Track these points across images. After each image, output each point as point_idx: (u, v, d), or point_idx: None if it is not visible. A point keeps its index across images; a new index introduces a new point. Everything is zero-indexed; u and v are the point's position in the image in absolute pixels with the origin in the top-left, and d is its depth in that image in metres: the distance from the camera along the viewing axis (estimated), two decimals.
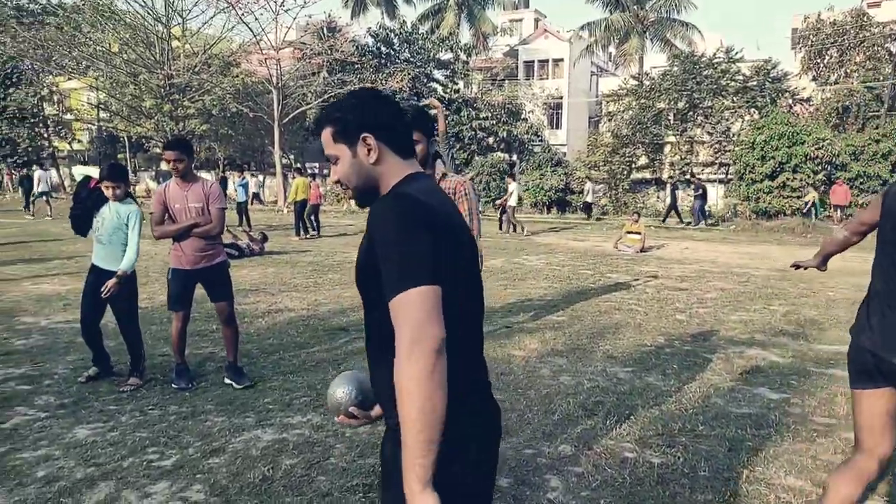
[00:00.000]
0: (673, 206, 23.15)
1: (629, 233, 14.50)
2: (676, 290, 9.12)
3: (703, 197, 22.64)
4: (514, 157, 33.38)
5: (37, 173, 22.16)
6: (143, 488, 3.07)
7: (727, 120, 26.92)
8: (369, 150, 1.50)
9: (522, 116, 32.84)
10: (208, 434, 3.69)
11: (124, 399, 4.29)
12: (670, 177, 27.39)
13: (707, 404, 4.42)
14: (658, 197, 27.55)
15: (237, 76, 29.14)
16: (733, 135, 26.36)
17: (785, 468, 3.41)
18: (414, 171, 1.53)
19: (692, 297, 8.52)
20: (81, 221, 4.61)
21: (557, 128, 38.38)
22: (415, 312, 1.27)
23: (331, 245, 14.14)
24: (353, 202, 5.08)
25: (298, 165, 23.15)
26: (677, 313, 7.49)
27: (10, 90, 31.66)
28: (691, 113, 27.57)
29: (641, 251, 13.83)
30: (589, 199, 24.91)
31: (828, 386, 4.83)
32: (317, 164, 37.91)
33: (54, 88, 34.39)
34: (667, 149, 28.93)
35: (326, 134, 1.54)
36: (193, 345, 5.25)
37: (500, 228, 19.60)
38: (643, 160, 28.65)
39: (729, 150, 25.96)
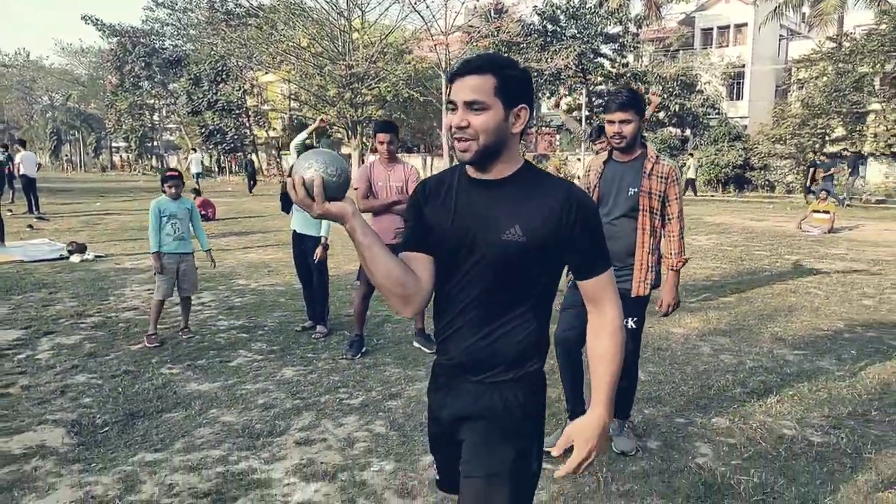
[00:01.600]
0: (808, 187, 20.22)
1: (815, 212, 13.28)
2: (867, 273, 8.34)
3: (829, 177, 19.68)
4: (687, 132, 31.55)
5: (192, 156, 25.87)
6: (337, 419, 3.68)
7: None
8: (516, 121, 1.57)
9: (697, 88, 30.84)
10: (388, 381, 4.27)
11: (319, 349, 5.05)
12: (873, 150, 24.29)
13: (885, 391, 4.17)
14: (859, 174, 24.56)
15: (409, 63, 30.66)
16: None
17: None
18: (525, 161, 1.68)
19: (885, 282, 7.75)
20: (287, 199, 5.43)
21: (738, 99, 35.49)
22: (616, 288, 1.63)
23: None
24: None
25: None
26: (864, 298, 6.90)
27: (220, 86, 36.06)
28: None
29: (829, 232, 12.63)
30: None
31: None
32: None
33: (254, 82, 38.60)
34: (870, 118, 25.63)
35: (488, 81, 1.53)
36: (373, 308, 5.92)
37: None
38: (839, 132, 25.64)
39: None
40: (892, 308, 6.44)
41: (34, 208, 14.72)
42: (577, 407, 3.35)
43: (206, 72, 36.04)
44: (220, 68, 35.95)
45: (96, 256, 9.28)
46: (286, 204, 5.44)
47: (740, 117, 32.93)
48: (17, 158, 15.17)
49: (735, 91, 35.63)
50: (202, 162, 29.75)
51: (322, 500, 2.81)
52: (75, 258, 9.00)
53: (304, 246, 5.43)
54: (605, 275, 1.62)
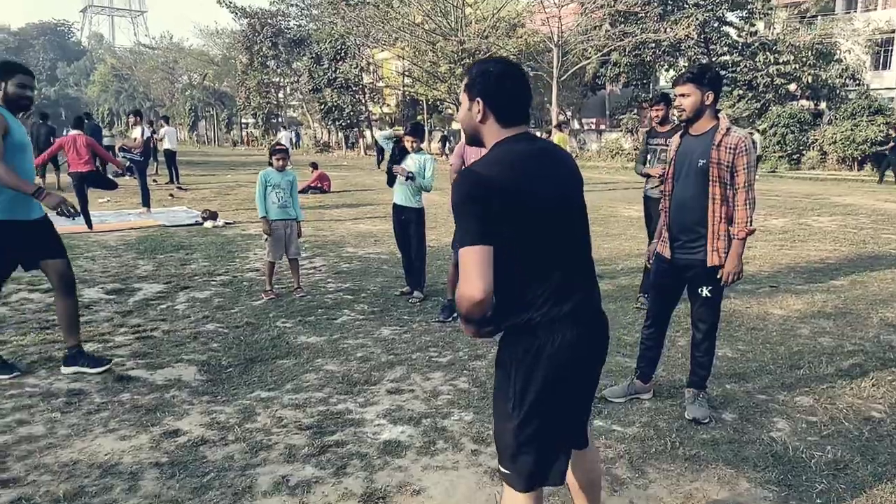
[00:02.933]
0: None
1: None
2: None
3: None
4: (822, 106, 29.07)
5: (282, 133, 27.06)
6: (425, 374, 4.03)
7: None
8: (478, 111, 1.88)
9: (836, 57, 28.26)
10: (474, 344, 4.56)
11: (415, 312, 5.43)
12: None
13: None
14: None
15: (521, 37, 30.39)
16: None
17: None
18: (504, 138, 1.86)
19: None
20: (391, 175, 5.83)
21: (884, 69, 32.15)
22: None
23: (595, 198, 14.41)
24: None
25: (563, 118, 23.26)
26: None
27: (339, 63, 37.58)
28: None
29: None
30: None
31: None
32: (593, 120, 37.76)
33: (371, 60, 39.86)
34: None
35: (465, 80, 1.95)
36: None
37: None
38: None
39: None
40: None
41: (175, 179, 16.33)
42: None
43: (326, 50, 37.69)
44: (339, 46, 37.44)
45: (226, 223, 10.27)
46: (391, 179, 5.85)
47: (886, 88, 29.90)
48: (161, 133, 16.86)
49: (882, 60, 32.28)
50: (291, 139, 31.71)
51: (406, 440, 3.15)
52: (208, 224, 10.02)
53: (403, 217, 5.83)
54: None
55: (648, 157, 5.56)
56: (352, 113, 39.78)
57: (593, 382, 2.04)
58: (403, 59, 35.91)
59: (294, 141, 35.50)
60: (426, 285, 5.99)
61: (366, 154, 39.18)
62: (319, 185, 15.93)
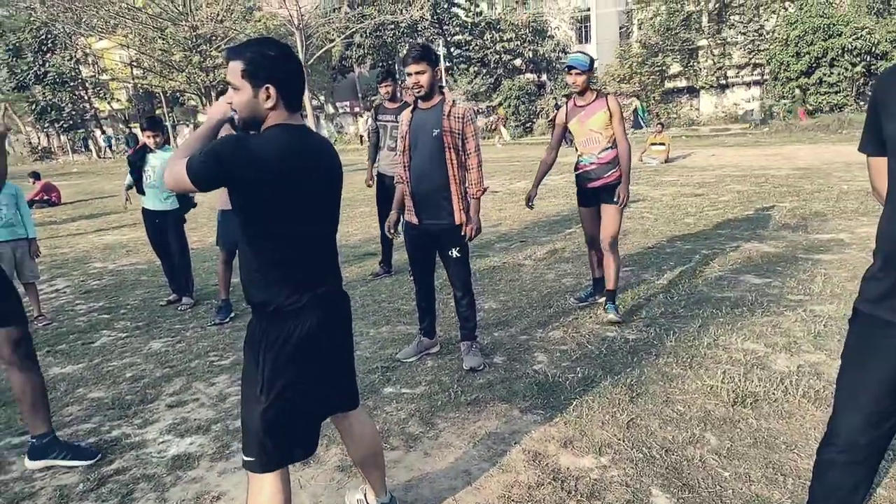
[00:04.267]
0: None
1: (653, 144, 14.61)
2: (692, 196, 9.45)
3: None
4: (544, 78, 32.92)
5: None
6: (209, 380, 3.84)
7: (761, 17, 25.87)
8: (268, 97, 1.83)
9: (549, 34, 32.13)
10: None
11: (187, 319, 5.10)
12: (703, 84, 26.71)
13: (692, 292, 4.94)
14: (691, 105, 27.02)
15: (259, 20, 29.34)
16: (767, 33, 25.38)
17: (744, 335, 3.94)
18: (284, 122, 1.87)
19: (705, 202, 8.85)
20: (140, 182, 5.31)
21: (587, 42, 37.32)
22: None
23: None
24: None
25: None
26: (687, 217, 7.89)
27: (47, 55, 32.63)
28: (725, 12, 26.56)
29: (666, 161, 13.99)
30: None
31: (810, 269, 5.26)
32: (347, 103, 38.08)
33: (88, 50, 35.27)
34: (700, 54, 28.10)
35: (237, 66, 1.82)
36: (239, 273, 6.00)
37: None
38: (675, 68, 27.95)
39: (763, 50, 25.10)
40: (707, 224, 7.43)
41: None
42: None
43: (27, 41, 32.46)
44: (43, 36, 32.48)
45: None
46: (140, 187, 5.33)
47: None
48: None
49: (584, 34, 37.43)
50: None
51: (197, 450, 3.00)
52: None
53: (157, 221, 5.38)
54: None
55: (380, 133, 5.80)
56: (73, 112, 34.92)
57: (345, 354, 2.15)
58: (129, 47, 32.43)
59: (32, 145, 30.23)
60: (195, 289, 5.65)
61: (99, 157, 34.85)
62: (46, 196, 13.86)
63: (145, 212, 5.42)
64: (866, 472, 1.76)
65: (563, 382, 3.44)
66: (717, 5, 26.21)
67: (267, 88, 1.82)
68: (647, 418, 2.99)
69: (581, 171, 4.50)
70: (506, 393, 3.38)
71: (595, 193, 4.46)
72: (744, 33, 26.30)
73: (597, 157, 4.37)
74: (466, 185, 3.65)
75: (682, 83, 27.91)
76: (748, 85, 26.33)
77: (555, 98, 27.21)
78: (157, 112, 37.01)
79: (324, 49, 29.70)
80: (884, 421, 1.70)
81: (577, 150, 4.51)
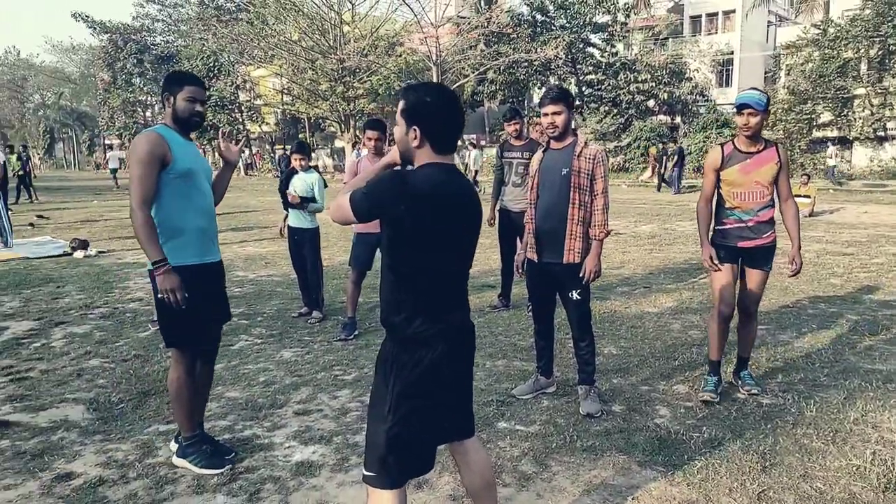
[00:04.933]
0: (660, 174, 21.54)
1: (797, 196, 13.64)
2: (839, 255, 8.72)
3: (681, 162, 21.06)
4: (678, 120, 31.88)
5: (112, 153, 26.72)
6: (332, 393, 4.04)
7: None
8: (415, 137, 2.00)
9: (687, 76, 31.17)
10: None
11: (315, 332, 5.40)
12: (858, 135, 24.67)
13: (837, 359, 4.54)
14: (842, 158, 24.98)
15: (400, 55, 30.87)
16: None
17: None
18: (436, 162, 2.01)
19: (855, 262, 8.13)
20: (285, 197, 5.78)
21: (727, 86, 35.80)
22: None
23: None
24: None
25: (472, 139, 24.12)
26: (832, 277, 7.28)
27: (213, 81, 36.22)
28: (887, 61, 24.48)
29: (810, 215, 13.02)
30: None
31: None
32: (474, 136, 38.95)
33: (246, 77, 38.77)
34: (856, 103, 26.01)
35: (400, 105, 2.05)
36: (366, 294, 6.27)
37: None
38: (825, 117, 26.03)
39: None
40: (856, 286, 6.81)
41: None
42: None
43: (198, 67, 36.21)
44: (211, 64, 36.16)
45: (99, 252, 9.60)
46: (286, 202, 5.80)
47: (730, 104, 33.21)
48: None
49: (724, 78, 35.95)
50: (121, 159, 30.77)
51: (318, 460, 3.16)
52: (78, 254, 9.31)
53: (297, 238, 5.80)
54: None
55: (505, 169, 5.89)
56: (228, 132, 38.43)
57: (467, 382, 2.22)
58: (282, 76, 35.28)
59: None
60: (325, 305, 5.97)
61: (246, 174, 37.93)
62: None
63: (289, 228, 5.86)
64: None
65: (688, 441, 3.28)
66: (879, 52, 24.22)
67: (414, 129, 1.99)
68: (782, 492, 2.77)
69: (731, 227, 3.84)
70: (624, 444, 3.27)
71: (744, 253, 3.87)
72: None
73: (755, 214, 3.77)
74: (590, 226, 3.65)
75: (832, 133, 25.95)
76: None
77: (656, 143, 26.33)
78: (301, 136, 39.83)
79: (457, 84, 30.66)
80: None
81: (725, 202, 3.85)
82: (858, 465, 2.99)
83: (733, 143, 3.83)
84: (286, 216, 5.99)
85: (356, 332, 5.24)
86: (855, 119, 25.67)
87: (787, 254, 3.91)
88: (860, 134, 25.16)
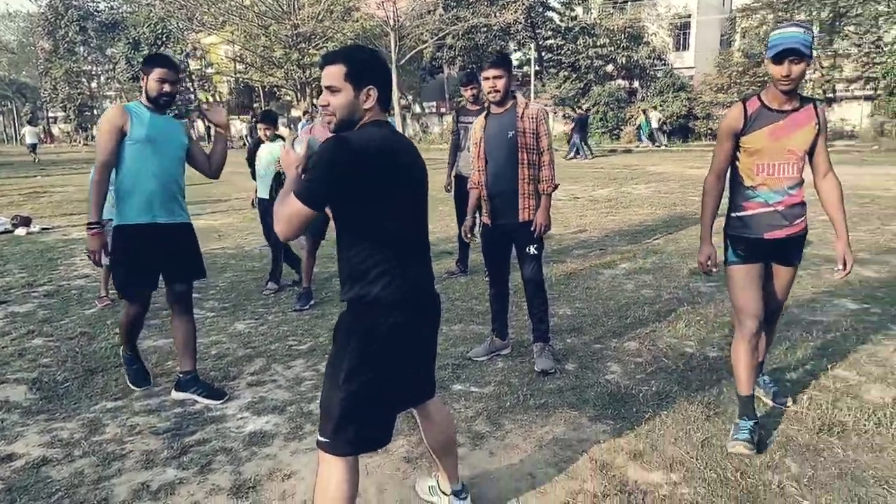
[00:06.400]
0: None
1: None
2: None
3: (582, 129, 21.15)
4: (636, 84, 32.08)
5: (28, 129, 25.80)
6: (286, 363, 4.00)
7: (879, 28, 24.11)
8: (368, 98, 1.93)
9: (644, 40, 31.27)
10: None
11: (270, 304, 5.32)
12: (809, 97, 25.21)
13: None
14: None
15: (357, 21, 30.15)
16: (885, 45, 23.63)
17: (836, 362, 3.70)
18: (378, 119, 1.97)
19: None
20: (253, 168, 5.74)
21: (684, 50, 35.99)
22: None
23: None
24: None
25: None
26: None
27: (161, 49, 34.92)
28: (837, 23, 24.95)
29: None
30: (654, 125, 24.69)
31: None
32: (433, 103, 38.54)
33: (197, 45, 37.45)
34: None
35: (339, 69, 1.91)
36: (322, 265, 6.20)
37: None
38: None
39: (879, 63, 23.39)
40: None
41: None
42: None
43: (145, 35, 34.87)
44: (160, 31, 34.81)
45: (42, 229, 9.26)
46: (253, 172, 5.73)
47: (686, 68, 33.53)
48: None
49: (682, 42, 36.13)
50: (37, 134, 29.54)
51: (272, 429, 3.14)
52: (20, 231, 8.96)
53: (264, 208, 5.73)
54: None
55: (461, 134, 5.84)
56: (179, 102, 37.16)
57: (430, 350, 2.19)
58: (234, 43, 34.18)
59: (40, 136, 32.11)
60: (282, 276, 5.88)
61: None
62: None
63: (259, 200, 5.78)
64: None
65: (637, 395, 3.35)
66: (830, 15, 24.66)
67: (369, 90, 1.92)
68: (724, 439, 2.86)
69: (755, 212, 2.84)
70: (576, 400, 3.33)
71: (773, 247, 2.87)
72: (858, 45, 24.61)
73: (787, 193, 2.78)
74: (539, 182, 3.72)
75: None
76: (858, 99, 24.63)
77: (644, 106, 26.50)
78: (255, 105, 38.86)
79: (416, 50, 30.16)
80: None
81: (744, 180, 2.85)
82: (796, 411, 3.10)
83: (760, 98, 2.80)
84: (256, 190, 5.89)
85: (312, 302, 5.19)
86: (806, 81, 26.19)
87: (834, 249, 2.91)
88: (811, 95, 25.72)
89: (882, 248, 6.53)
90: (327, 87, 1.93)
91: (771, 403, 3.19)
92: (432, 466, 2.64)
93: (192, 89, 38.87)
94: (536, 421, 3.12)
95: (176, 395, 3.53)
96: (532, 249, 3.77)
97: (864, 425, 2.94)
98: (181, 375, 3.55)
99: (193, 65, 38.97)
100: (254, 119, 31.93)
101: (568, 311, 4.88)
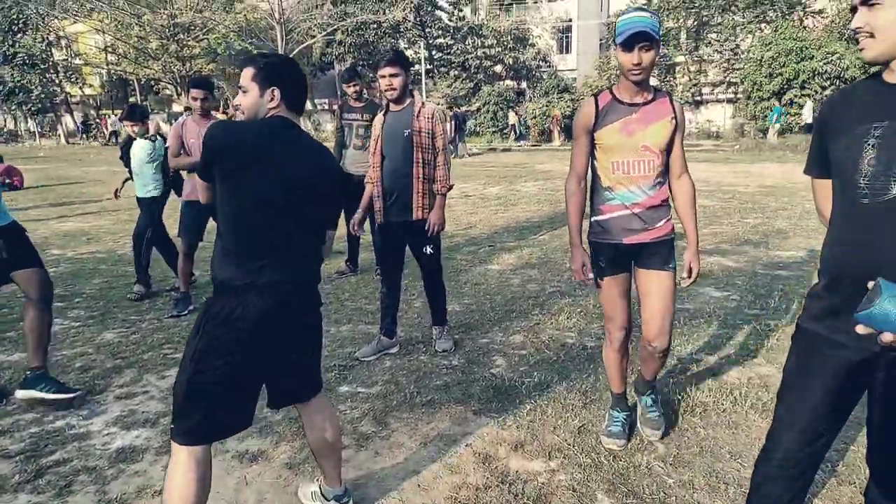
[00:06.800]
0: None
1: None
2: None
3: (458, 127, 21.91)
4: (524, 85, 33.13)
5: None
6: (160, 373, 3.76)
7: (737, 37, 26.39)
8: (272, 98, 2.05)
9: (530, 42, 32.36)
10: None
11: (144, 311, 4.99)
12: (679, 99, 27.16)
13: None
14: None
15: (240, 12, 29.01)
16: (743, 52, 25.91)
17: (699, 346, 4.00)
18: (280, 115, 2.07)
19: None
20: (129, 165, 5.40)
21: (567, 52, 37.67)
22: None
23: None
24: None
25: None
26: None
27: (18, 36, 31.83)
28: (703, 30, 27.03)
29: None
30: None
31: (769, 284, 5.36)
32: (326, 100, 37.85)
33: (61, 33, 34.48)
34: (677, 70, 28.56)
35: (249, 71, 2.07)
36: (202, 268, 5.91)
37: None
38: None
39: (738, 69, 25.61)
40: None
41: None
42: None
43: None
44: (14, 16, 31.66)
45: None
46: (129, 167, 5.40)
47: (570, 70, 35.09)
48: None
49: (564, 45, 37.75)
50: None
51: (143, 444, 2.94)
52: None
53: (139, 207, 5.47)
54: None
55: (346, 132, 5.76)
56: (43, 95, 34.10)
57: (301, 347, 2.16)
58: (104, 32, 31.80)
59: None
60: (151, 280, 5.54)
61: (68, 143, 34.08)
62: (7, 180, 13.50)
63: (137, 199, 5.46)
64: (802, 484, 1.79)
65: (519, 386, 3.45)
66: (695, 23, 26.67)
67: (273, 90, 2.04)
68: (599, 424, 3.00)
69: (612, 216, 2.64)
70: (461, 395, 3.38)
71: (633, 253, 2.68)
72: (720, 52, 26.80)
73: (646, 193, 2.59)
74: (434, 182, 3.77)
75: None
76: (722, 102, 26.85)
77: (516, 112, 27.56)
78: (132, 99, 36.35)
79: (304, 45, 29.48)
80: (820, 437, 1.73)
81: (601, 180, 2.66)
82: (663, 393, 3.32)
83: (611, 92, 2.61)
84: (125, 180, 5.70)
85: (190, 308, 4.92)
86: (676, 84, 28.19)
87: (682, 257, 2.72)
88: (680, 98, 27.67)
89: (741, 240, 7.14)
90: (240, 87, 2.08)
91: (641, 431, 2.91)
92: (315, 471, 2.58)
93: (57, 81, 35.73)
94: (422, 418, 3.13)
95: (21, 394, 3.26)
96: (429, 249, 3.85)
97: (723, 405, 3.19)
98: (28, 373, 3.33)
99: (58, 55, 35.82)
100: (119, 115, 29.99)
101: (457, 307, 4.94)
